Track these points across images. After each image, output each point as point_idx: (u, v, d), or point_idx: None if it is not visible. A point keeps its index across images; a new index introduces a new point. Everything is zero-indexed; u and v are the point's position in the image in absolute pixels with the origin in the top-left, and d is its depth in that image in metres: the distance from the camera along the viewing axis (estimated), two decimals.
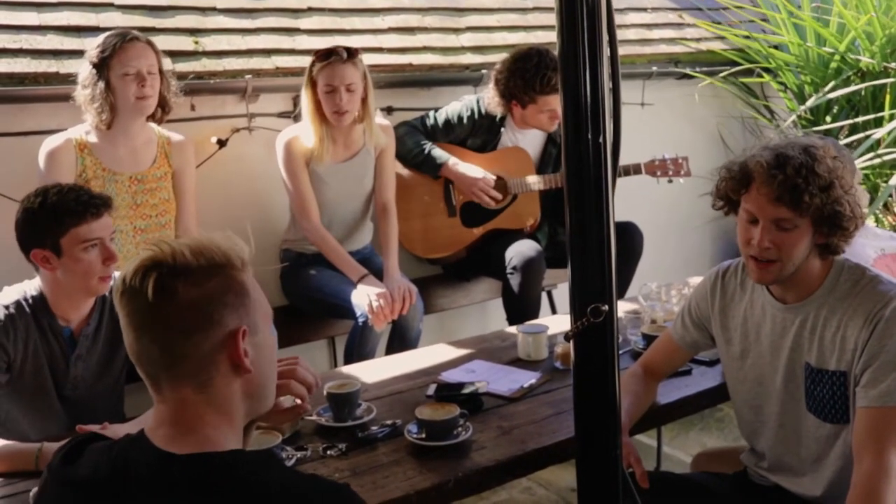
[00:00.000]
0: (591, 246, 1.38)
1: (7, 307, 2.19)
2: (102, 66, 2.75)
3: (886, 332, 1.78)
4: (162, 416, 1.26)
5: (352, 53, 3.11)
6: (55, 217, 2.14)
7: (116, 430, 1.96)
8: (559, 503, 3.41)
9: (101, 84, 2.74)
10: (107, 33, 2.82)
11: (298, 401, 1.48)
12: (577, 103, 1.35)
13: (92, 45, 2.80)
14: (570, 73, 1.35)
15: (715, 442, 3.85)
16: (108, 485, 1.21)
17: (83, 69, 2.79)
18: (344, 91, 3.07)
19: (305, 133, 3.18)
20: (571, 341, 1.44)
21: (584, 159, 1.36)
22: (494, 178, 3.54)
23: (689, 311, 2.20)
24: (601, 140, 1.36)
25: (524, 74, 3.39)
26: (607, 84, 1.35)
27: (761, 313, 2.01)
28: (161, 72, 2.85)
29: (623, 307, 3.02)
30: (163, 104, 2.89)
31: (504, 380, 2.42)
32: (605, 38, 1.36)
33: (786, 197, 1.78)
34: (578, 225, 1.40)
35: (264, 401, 1.34)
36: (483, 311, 4.09)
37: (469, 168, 3.53)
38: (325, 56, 3.09)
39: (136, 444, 1.24)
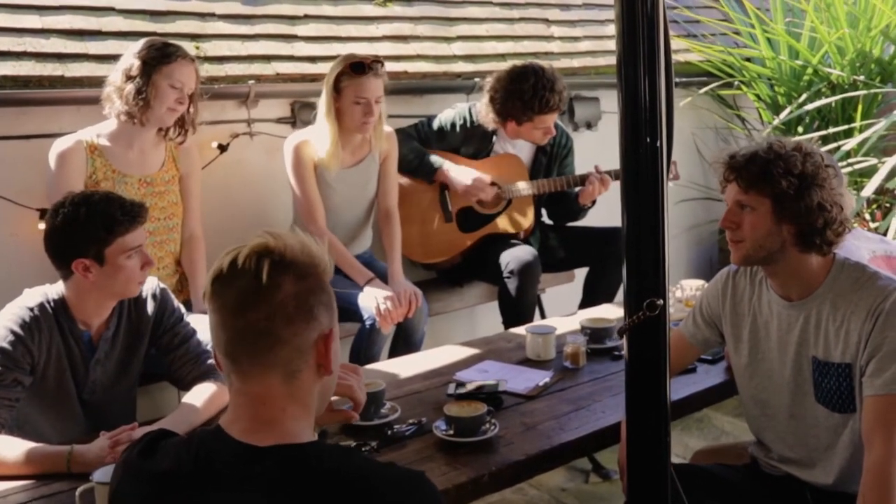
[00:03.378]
0: (647, 243, 1.45)
1: (32, 309, 2.17)
2: (153, 67, 2.75)
3: (887, 324, 1.89)
4: (241, 409, 1.28)
5: (382, 66, 3.17)
6: (105, 227, 2.14)
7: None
8: (551, 502, 3.47)
9: (151, 82, 2.74)
10: (161, 39, 2.86)
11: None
12: (635, 108, 1.42)
13: (141, 43, 2.80)
14: (630, 79, 1.42)
15: (696, 442, 3.95)
16: (193, 478, 1.24)
17: (128, 60, 2.77)
18: (373, 104, 3.12)
19: (316, 137, 3.20)
20: (625, 335, 1.51)
21: (642, 161, 1.43)
22: (489, 177, 3.61)
23: (700, 310, 2.29)
24: (658, 143, 1.43)
25: (523, 96, 3.45)
26: (663, 89, 1.43)
27: (769, 311, 2.11)
28: (193, 96, 2.88)
29: (614, 311, 3.12)
30: (181, 123, 2.92)
31: (518, 378, 2.49)
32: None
33: (733, 176, 2.00)
34: (635, 223, 1.47)
35: (324, 406, 1.39)
36: (472, 315, 4.15)
37: (463, 171, 3.60)
38: (360, 69, 3.11)
39: (216, 438, 1.27)
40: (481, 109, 3.60)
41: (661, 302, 1.46)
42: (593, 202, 3.73)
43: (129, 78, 2.76)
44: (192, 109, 2.91)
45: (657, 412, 1.52)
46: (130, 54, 2.80)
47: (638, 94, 1.42)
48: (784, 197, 1.93)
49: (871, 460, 1.83)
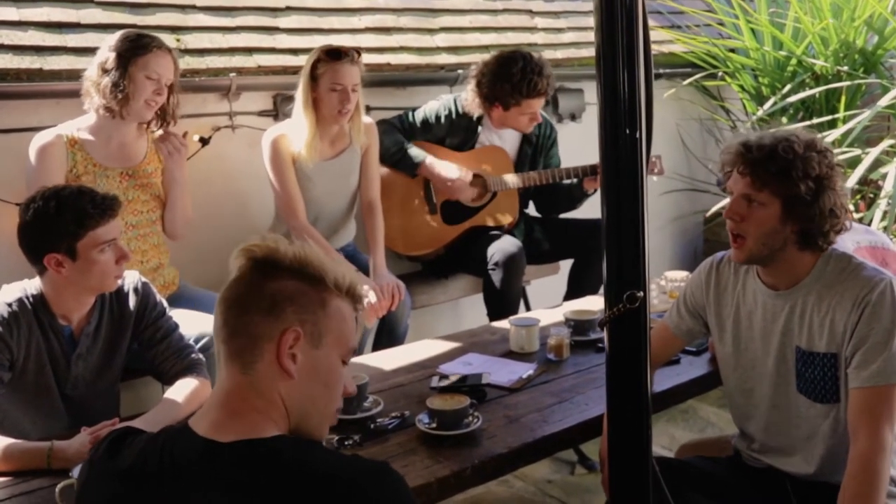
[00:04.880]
0: (628, 235, 1.45)
1: (10, 304, 2.16)
2: (129, 59, 2.72)
3: (874, 316, 1.89)
4: (212, 400, 1.30)
5: (358, 55, 3.16)
6: (75, 221, 2.13)
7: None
8: (536, 494, 3.48)
9: (127, 74, 2.71)
10: (136, 31, 2.82)
11: None
12: (615, 99, 1.42)
13: (116, 35, 2.77)
14: (609, 70, 1.42)
15: (682, 433, 3.97)
16: (158, 476, 1.24)
17: (104, 54, 2.74)
18: (350, 91, 3.10)
19: (293, 130, 3.18)
20: (605, 327, 1.50)
21: (621, 152, 1.43)
22: (471, 175, 3.60)
23: (684, 300, 2.29)
24: (637, 135, 1.42)
25: (511, 79, 3.44)
26: (642, 81, 1.42)
27: (753, 300, 2.11)
28: (172, 87, 2.85)
29: (599, 303, 3.12)
30: (163, 115, 2.89)
31: (502, 371, 2.48)
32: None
33: (747, 171, 1.95)
34: (615, 215, 1.46)
35: (311, 421, 1.33)
36: (457, 308, 4.14)
37: (446, 167, 3.58)
38: (335, 55, 3.11)
39: (181, 435, 1.28)
40: (467, 95, 3.59)
41: (641, 294, 1.46)
42: (595, 190, 3.72)
43: (104, 71, 2.73)
44: (172, 100, 2.88)
45: (638, 404, 1.52)
46: (106, 47, 2.77)
47: (617, 86, 1.42)
48: (798, 200, 1.91)
49: (856, 451, 1.84)
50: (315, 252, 1.33)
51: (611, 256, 1.48)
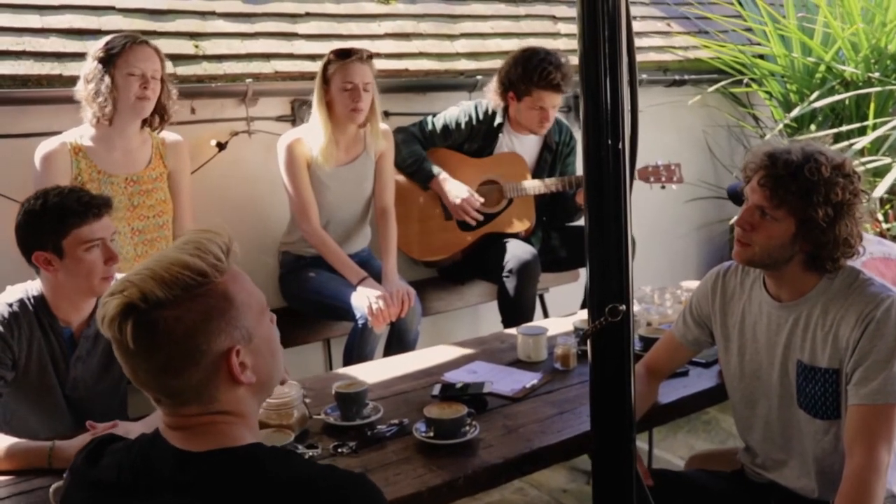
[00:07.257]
0: (610, 247, 1.43)
1: (11, 305, 2.20)
2: (108, 63, 2.77)
3: (877, 333, 1.85)
4: (173, 423, 1.27)
5: (369, 56, 3.20)
6: (57, 218, 2.16)
7: (128, 428, 1.98)
8: (551, 503, 3.46)
9: (107, 79, 2.76)
10: (113, 34, 2.85)
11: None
12: (597, 109, 1.40)
13: (97, 44, 2.82)
14: (591, 80, 1.40)
15: (703, 444, 3.91)
16: (133, 486, 1.23)
17: (87, 65, 2.80)
18: (362, 90, 3.13)
19: (309, 135, 3.21)
20: (589, 340, 1.49)
21: (603, 163, 1.42)
22: (481, 200, 3.59)
23: (690, 309, 2.27)
24: (620, 145, 1.41)
25: (526, 65, 3.47)
26: (626, 91, 1.40)
27: (758, 311, 2.08)
28: (163, 79, 2.88)
29: None
30: (161, 112, 2.92)
31: (506, 380, 2.47)
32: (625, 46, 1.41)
33: (767, 184, 1.90)
34: (597, 227, 1.45)
35: (274, 384, 1.34)
36: (475, 314, 4.13)
37: (456, 186, 3.58)
38: (345, 55, 3.15)
39: (155, 445, 1.26)
40: (490, 88, 3.61)
41: (623, 307, 1.44)
42: None
43: (88, 82, 2.78)
44: (164, 96, 2.89)
45: (621, 418, 1.50)
46: (88, 59, 2.82)
47: (599, 96, 1.40)
48: (813, 224, 1.87)
49: (851, 469, 1.81)
50: (167, 253, 1.21)
51: (593, 269, 1.47)
